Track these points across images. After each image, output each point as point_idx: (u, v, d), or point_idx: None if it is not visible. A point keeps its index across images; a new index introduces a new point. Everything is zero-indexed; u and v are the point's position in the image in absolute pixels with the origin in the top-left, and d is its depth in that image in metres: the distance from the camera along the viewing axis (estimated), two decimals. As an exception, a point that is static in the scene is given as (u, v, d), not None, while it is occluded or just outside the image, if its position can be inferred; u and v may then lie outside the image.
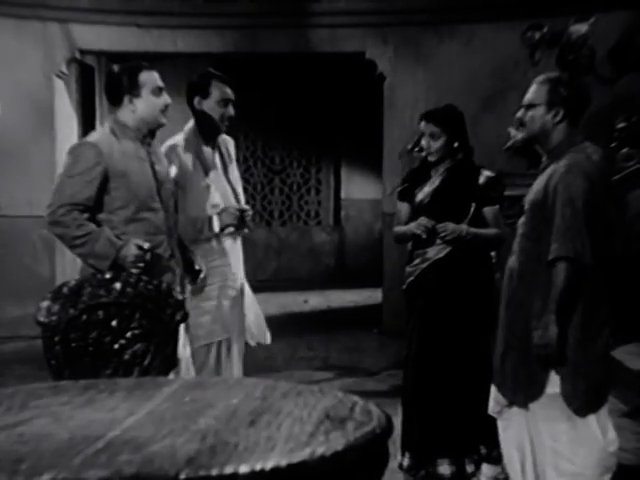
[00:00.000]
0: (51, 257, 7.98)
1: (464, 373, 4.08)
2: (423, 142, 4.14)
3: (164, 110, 3.77)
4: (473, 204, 4.08)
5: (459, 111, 4.20)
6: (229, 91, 4.30)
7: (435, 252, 4.11)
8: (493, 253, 4.41)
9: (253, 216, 4.47)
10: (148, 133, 3.78)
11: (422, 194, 4.20)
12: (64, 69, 8.28)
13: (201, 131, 4.28)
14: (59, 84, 8.33)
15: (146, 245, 3.58)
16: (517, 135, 3.34)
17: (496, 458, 4.00)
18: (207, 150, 4.30)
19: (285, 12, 8.35)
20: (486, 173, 4.11)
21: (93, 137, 3.80)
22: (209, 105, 4.25)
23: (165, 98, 3.77)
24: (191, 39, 8.45)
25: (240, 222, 4.27)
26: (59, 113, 8.29)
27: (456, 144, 4.10)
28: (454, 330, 4.09)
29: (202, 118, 4.26)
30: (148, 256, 3.58)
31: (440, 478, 4.08)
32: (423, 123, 4.13)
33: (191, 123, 4.33)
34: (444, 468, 4.08)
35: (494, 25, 7.93)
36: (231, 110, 4.30)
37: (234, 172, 4.47)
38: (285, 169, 13.38)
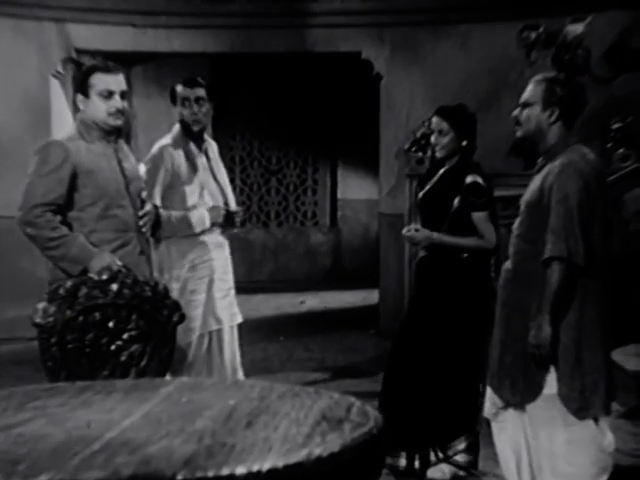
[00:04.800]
0: (47, 258, 7.95)
1: (425, 374, 4.14)
2: (432, 138, 4.21)
3: (113, 114, 3.72)
4: (453, 208, 4.07)
5: (471, 112, 4.23)
6: (181, 89, 4.43)
7: (422, 253, 4.24)
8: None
9: (243, 216, 4.68)
10: (112, 132, 3.81)
11: (422, 193, 4.31)
12: (60, 69, 8.26)
13: (184, 132, 4.45)
14: (55, 84, 8.31)
15: (115, 266, 3.43)
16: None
17: (468, 464, 4.16)
18: (194, 151, 4.48)
19: (281, 12, 8.34)
20: (469, 178, 4.06)
21: (60, 136, 3.87)
22: (177, 109, 4.46)
23: (115, 102, 3.72)
24: (187, 39, 8.44)
25: (227, 221, 4.48)
26: (55, 113, 8.27)
27: (464, 143, 4.12)
28: (421, 328, 4.18)
29: (181, 119, 4.44)
30: (121, 277, 3.48)
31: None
32: (434, 119, 4.18)
33: (177, 125, 4.51)
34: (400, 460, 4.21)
35: (490, 25, 7.93)
36: (196, 108, 4.42)
37: (222, 174, 4.63)
38: (282, 169, 13.36)
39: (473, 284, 4.12)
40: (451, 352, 4.10)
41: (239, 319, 4.57)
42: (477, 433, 4.19)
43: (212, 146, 4.62)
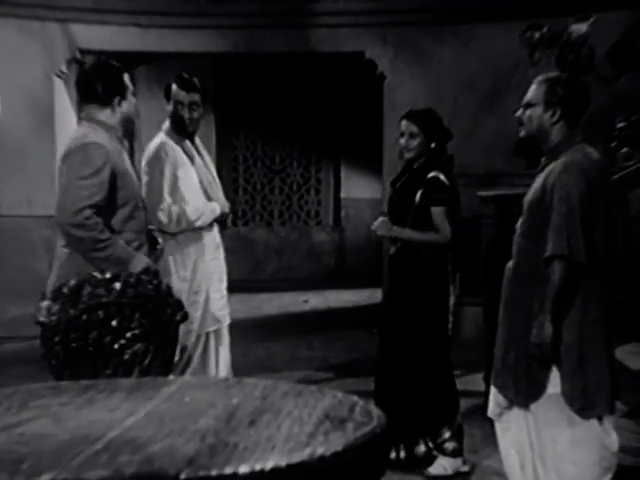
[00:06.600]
0: (51, 257, 7.95)
1: (401, 365, 4.32)
2: (402, 140, 4.34)
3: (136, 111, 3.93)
4: (415, 203, 4.22)
5: (438, 115, 4.39)
6: (176, 91, 4.45)
7: (392, 250, 4.40)
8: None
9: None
10: (124, 132, 3.90)
11: (390, 194, 4.49)
12: (64, 69, 8.27)
13: (174, 129, 4.47)
14: (59, 84, 8.32)
15: (153, 267, 3.68)
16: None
17: (454, 451, 4.25)
18: (188, 146, 4.51)
19: (285, 12, 8.35)
20: (432, 174, 4.22)
21: (93, 137, 3.71)
22: (169, 106, 4.48)
23: (134, 99, 3.89)
24: (191, 39, 8.45)
25: (221, 223, 4.58)
26: (59, 113, 8.28)
27: (433, 145, 4.28)
28: (394, 323, 4.36)
29: (173, 118, 4.46)
30: (124, 275, 3.54)
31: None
32: (404, 122, 4.34)
33: (167, 122, 4.53)
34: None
35: (494, 25, 7.93)
36: (187, 114, 4.44)
37: (213, 170, 4.67)
38: (285, 169, 13.37)
39: (434, 279, 4.28)
40: (420, 343, 4.26)
41: (229, 319, 4.63)
42: (459, 422, 4.32)
43: (200, 144, 4.66)
